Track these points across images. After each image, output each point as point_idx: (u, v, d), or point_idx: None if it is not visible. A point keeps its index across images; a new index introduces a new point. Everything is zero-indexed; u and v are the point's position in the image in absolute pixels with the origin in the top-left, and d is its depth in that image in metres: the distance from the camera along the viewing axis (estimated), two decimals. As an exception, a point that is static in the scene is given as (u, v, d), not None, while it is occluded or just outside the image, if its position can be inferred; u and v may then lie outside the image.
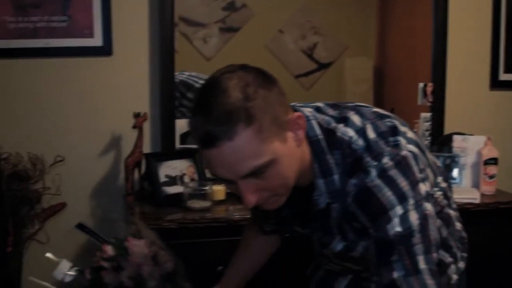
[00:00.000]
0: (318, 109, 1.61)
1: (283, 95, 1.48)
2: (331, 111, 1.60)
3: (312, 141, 1.55)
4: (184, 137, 3.11)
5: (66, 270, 1.69)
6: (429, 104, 3.40)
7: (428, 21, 3.37)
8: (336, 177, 1.55)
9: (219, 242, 2.69)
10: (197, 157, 3.03)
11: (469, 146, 3.19)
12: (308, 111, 1.58)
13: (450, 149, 3.18)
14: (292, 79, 3.50)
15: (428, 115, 3.40)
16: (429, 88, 3.38)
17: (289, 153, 1.46)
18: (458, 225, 1.82)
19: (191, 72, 3.31)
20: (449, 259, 1.77)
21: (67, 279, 1.68)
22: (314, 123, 1.56)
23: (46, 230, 2.97)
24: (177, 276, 1.77)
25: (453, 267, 1.79)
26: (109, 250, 1.70)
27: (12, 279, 2.79)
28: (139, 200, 2.98)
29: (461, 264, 1.83)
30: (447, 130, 3.41)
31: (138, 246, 1.71)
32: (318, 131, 1.56)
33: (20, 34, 3.00)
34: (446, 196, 1.73)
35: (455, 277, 1.79)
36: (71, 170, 3.07)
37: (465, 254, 1.85)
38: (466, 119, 3.52)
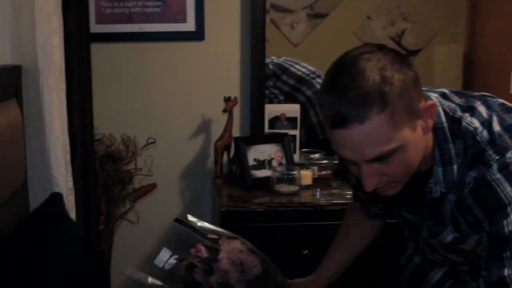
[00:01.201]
0: (444, 95, 1.58)
1: (418, 81, 1.45)
2: (457, 99, 1.58)
3: (436, 128, 1.52)
4: (273, 122, 3.13)
5: (166, 258, 1.76)
6: (521, 92, 3.34)
7: (523, 6, 3.29)
8: (455, 167, 1.52)
9: (305, 227, 2.72)
10: (285, 142, 3.05)
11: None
12: (434, 96, 1.55)
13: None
14: (380, 66, 3.46)
15: (520, 104, 3.33)
16: (522, 76, 3.31)
17: (416, 141, 1.45)
18: None
19: (286, 56, 3.35)
20: None
21: (167, 267, 1.76)
22: (440, 109, 1.53)
23: (137, 210, 3.05)
24: (267, 278, 1.81)
25: None
26: (203, 251, 1.76)
27: (103, 256, 2.87)
28: (227, 182, 3.03)
29: None
30: (539, 120, 3.32)
31: (227, 253, 1.76)
32: (443, 118, 1.53)
33: (116, 19, 3.08)
34: None
35: None
36: (163, 152, 3.13)
37: None
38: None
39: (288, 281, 1.99)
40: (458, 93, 1.60)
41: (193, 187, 3.25)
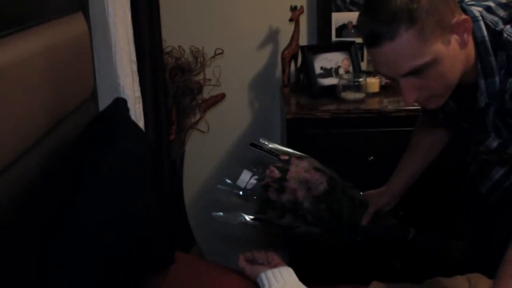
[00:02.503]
0: (488, 9, 1.61)
1: None
2: (501, 12, 1.60)
3: (477, 42, 1.57)
4: (339, 30, 3.12)
5: (247, 179, 1.94)
6: None
7: None
8: (497, 79, 1.57)
9: (371, 133, 2.74)
10: (352, 50, 3.04)
11: None
12: (477, 10, 1.59)
13: None
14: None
15: None
16: None
17: (452, 55, 1.50)
18: None
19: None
20: None
21: (249, 186, 1.94)
22: (482, 24, 1.57)
23: (207, 120, 3.12)
24: (333, 194, 1.92)
25: None
26: (275, 171, 1.91)
27: (175, 165, 2.96)
28: (294, 91, 3.06)
29: None
30: None
31: (294, 173, 1.90)
32: (484, 32, 1.57)
33: None
34: None
35: None
36: (230, 62, 3.16)
37: None
38: None
39: (362, 193, 2.06)
40: (504, 6, 1.62)
41: (261, 96, 3.29)
